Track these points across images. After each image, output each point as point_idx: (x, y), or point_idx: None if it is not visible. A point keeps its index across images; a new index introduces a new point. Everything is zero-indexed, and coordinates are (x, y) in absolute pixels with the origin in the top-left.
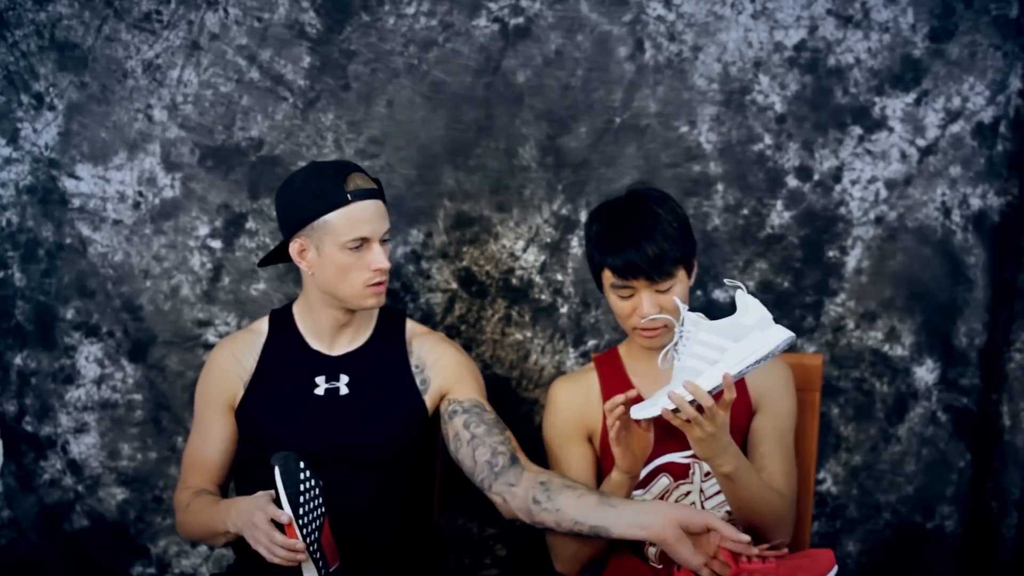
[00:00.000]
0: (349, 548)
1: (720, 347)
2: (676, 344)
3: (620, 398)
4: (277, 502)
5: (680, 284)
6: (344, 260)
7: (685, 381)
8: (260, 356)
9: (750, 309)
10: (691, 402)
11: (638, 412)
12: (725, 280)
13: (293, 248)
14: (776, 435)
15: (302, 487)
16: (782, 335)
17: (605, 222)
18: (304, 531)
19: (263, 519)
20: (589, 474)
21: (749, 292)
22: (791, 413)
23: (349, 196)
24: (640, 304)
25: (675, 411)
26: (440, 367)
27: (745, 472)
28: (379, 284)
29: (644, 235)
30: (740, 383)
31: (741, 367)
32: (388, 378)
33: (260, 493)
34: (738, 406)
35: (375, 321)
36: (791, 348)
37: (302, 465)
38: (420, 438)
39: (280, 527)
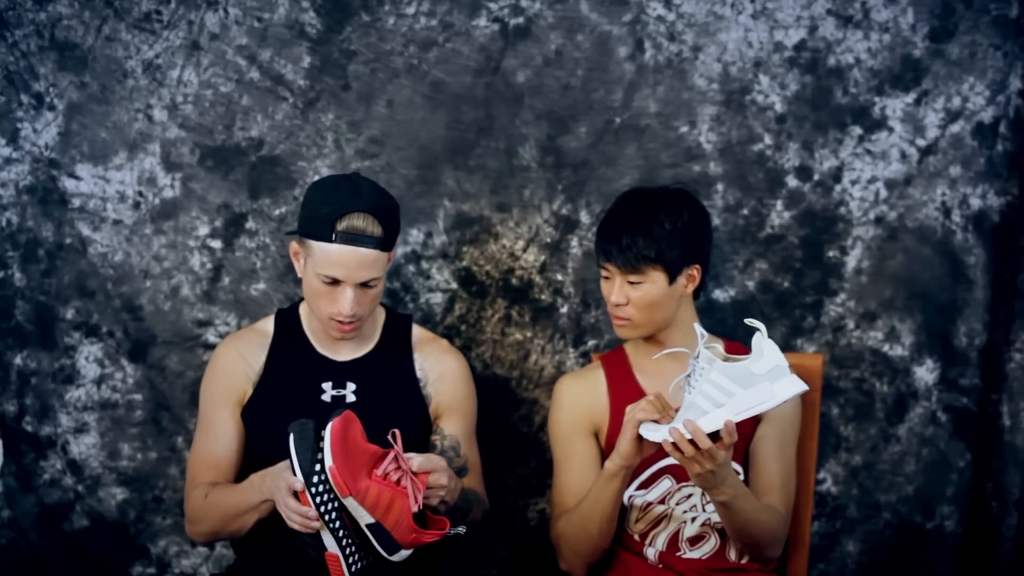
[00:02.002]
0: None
1: (728, 391)
2: (689, 376)
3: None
4: (293, 470)
5: (653, 285)
6: (317, 286)
7: (686, 420)
8: (267, 357)
9: (764, 356)
10: (691, 440)
11: (646, 432)
12: (746, 320)
13: (292, 247)
14: (778, 445)
15: (318, 455)
16: (791, 389)
17: (614, 205)
18: (318, 499)
19: (284, 485)
20: (594, 471)
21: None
22: (795, 422)
23: (334, 236)
24: (612, 290)
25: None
26: (440, 387)
27: (741, 500)
28: (342, 323)
29: (627, 225)
30: None
31: (745, 415)
32: (395, 387)
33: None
34: None
35: (381, 327)
36: (790, 348)
37: (322, 435)
38: (425, 446)
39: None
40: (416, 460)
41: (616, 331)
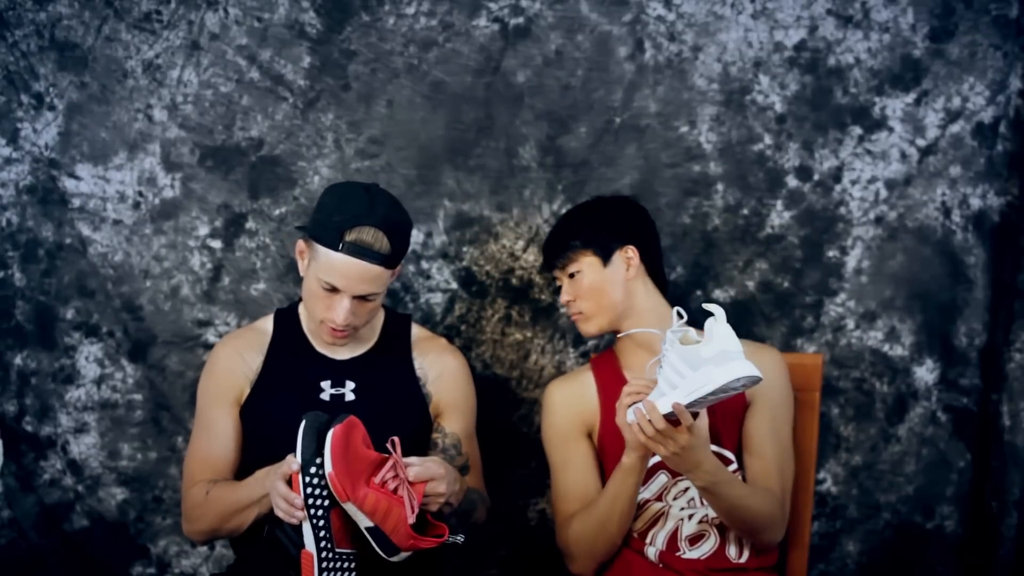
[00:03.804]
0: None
1: (681, 373)
2: (660, 358)
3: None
4: (295, 453)
5: (589, 270)
6: (316, 289)
7: (645, 400)
8: (266, 357)
9: (714, 340)
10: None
11: (629, 416)
12: (703, 305)
13: (298, 245)
14: (771, 426)
15: (322, 450)
16: (735, 373)
17: None
18: (308, 490)
19: (283, 468)
20: (593, 472)
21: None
22: (785, 403)
23: (340, 246)
24: (562, 293)
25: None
26: (440, 385)
27: (724, 486)
28: (335, 329)
29: (554, 229)
30: None
31: (692, 398)
32: (394, 386)
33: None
34: (732, 398)
35: (380, 326)
36: (790, 348)
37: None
38: (424, 444)
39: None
40: (414, 469)
41: (580, 330)
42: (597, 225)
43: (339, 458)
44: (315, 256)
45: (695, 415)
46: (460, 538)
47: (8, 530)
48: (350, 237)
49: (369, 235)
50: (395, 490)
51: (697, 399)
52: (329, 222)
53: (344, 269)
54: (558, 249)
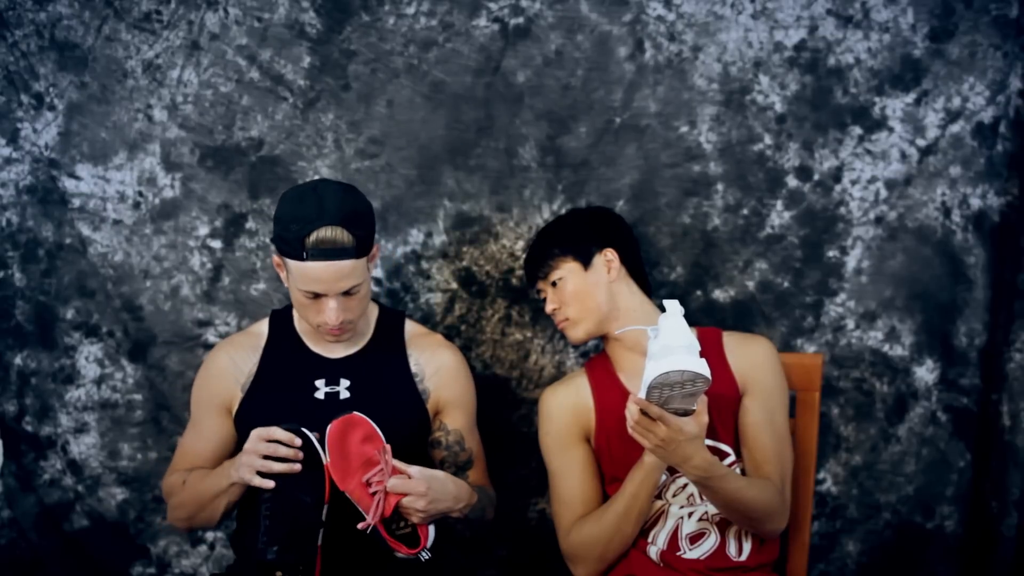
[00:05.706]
0: (350, 550)
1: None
2: None
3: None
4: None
5: (571, 275)
6: (301, 299)
7: (631, 394)
8: (260, 359)
9: (660, 335)
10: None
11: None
12: (664, 301)
13: (274, 258)
14: (766, 416)
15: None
16: (664, 367)
17: None
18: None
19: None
20: (594, 476)
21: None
22: (779, 392)
23: (305, 254)
24: (547, 304)
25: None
26: (438, 380)
27: (718, 480)
28: (333, 330)
29: (533, 243)
30: (722, 367)
31: (642, 393)
32: (389, 383)
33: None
34: (724, 389)
35: (374, 323)
36: (789, 348)
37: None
38: (421, 442)
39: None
40: (392, 480)
41: (568, 337)
42: (574, 231)
43: (335, 450)
44: (289, 268)
45: (686, 412)
46: (425, 556)
47: (8, 530)
48: (311, 242)
49: (329, 233)
50: (374, 493)
51: (647, 394)
52: (288, 233)
53: (317, 274)
54: (539, 260)
